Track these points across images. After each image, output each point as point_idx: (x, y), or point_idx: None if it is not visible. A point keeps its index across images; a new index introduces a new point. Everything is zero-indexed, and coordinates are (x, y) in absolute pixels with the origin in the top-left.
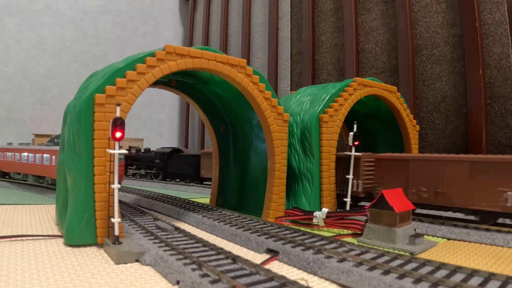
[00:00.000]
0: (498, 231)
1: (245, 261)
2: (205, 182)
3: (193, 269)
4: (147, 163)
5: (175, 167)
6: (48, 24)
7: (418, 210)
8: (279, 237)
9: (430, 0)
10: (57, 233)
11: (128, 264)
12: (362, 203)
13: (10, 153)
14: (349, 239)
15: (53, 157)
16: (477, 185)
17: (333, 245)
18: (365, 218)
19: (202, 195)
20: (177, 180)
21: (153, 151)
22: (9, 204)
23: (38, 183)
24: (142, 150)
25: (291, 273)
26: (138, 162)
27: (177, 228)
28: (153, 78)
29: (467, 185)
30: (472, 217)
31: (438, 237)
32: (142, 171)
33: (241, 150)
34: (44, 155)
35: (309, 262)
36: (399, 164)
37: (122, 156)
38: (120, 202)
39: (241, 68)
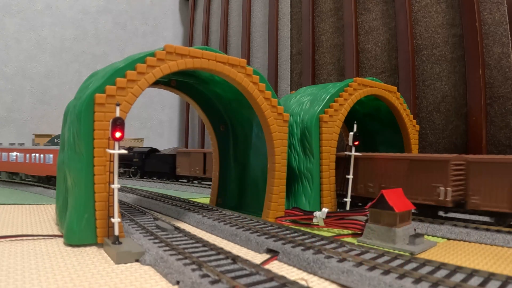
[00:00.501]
0: (498, 231)
1: (245, 261)
2: (180, 180)
3: (193, 269)
4: (126, 162)
5: (153, 166)
6: (48, 24)
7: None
8: (279, 237)
9: (430, 0)
10: (57, 233)
11: (128, 264)
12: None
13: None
14: (349, 239)
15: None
16: (415, 181)
17: (333, 245)
18: (365, 218)
19: (202, 195)
20: (154, 178)
21: (131, 150)
22: (9, 204)
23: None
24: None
25: (291, 273)
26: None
27: (177, 228)
28: (153, 78)
29: (407, 181)
30: (470, 217)
31: (438, 237)
32: (121, 170)
33: (241, 150)
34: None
35: (309, 262)
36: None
37: None
38: (120, 202)
39: (241, 68)
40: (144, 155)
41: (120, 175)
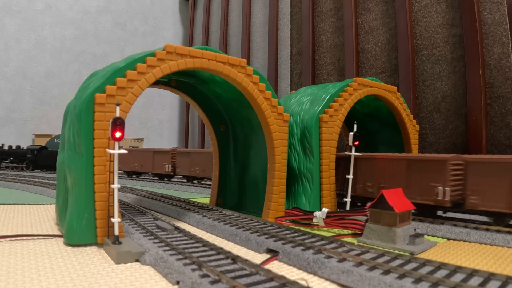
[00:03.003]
0: (498, 231)
1: (245, 261)
2: None
3: (193, 269)
4: (20, 157)
5: (43, 161)
6: (48, 24)
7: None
8: (279, 237)
9: (430, 0)
10: (57, 232)
11: (128, 264)
12: None
13: None
14: (349, 239)
15: None
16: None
17: (333, 245)
18: (365, 218)
19: (202, 195)
20: (45, 170)
21: (23, 148)
22: (9, 204)
23: None
24: (14, 147)
25: (291, 273)
26: (13, 156)
27: (177, 228)
28: (154, 78)
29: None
30: (470, 217)
31: (438, 237)
32: (14, 164)
33: (241, 150)
34: None
35: (309, 262)
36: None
37: None
38: (120, 201)
39: (241, 68)
40: (36, 151)
41: (14, 168)
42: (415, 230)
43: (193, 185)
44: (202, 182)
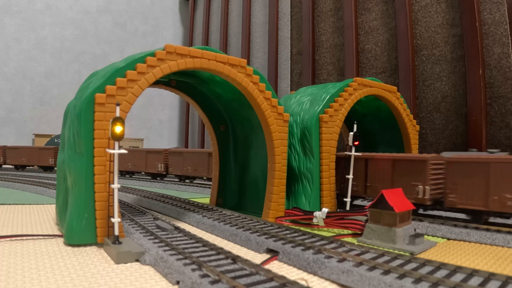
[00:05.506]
0: (498, 231)
1: (245, 261)
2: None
3: (193, 269)
4: None
5: None
6: (48, 24)
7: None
8: (279, 237)
9: (430, 0)
10: (57, 232)
11: (128, 264)
12: None
13: None
14: (349, 239)
15: None
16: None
17: (333, 245)
18: (365, 218)
19: (202, 195)
20: None
21: None
22: (9, 204)
23: None
24: None
25: (291, 273)
26: None
27: (177, 228)
28: (154, 77)
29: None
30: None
31: (438, 237)
32: None
33: (241, 150)
34: None
35: (309, 262)
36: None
37: None
38: (120, 201)
39: (241, 68)
40: None
41: None
42: (415, 230)
43: (193, 185)
44: (202, 182)
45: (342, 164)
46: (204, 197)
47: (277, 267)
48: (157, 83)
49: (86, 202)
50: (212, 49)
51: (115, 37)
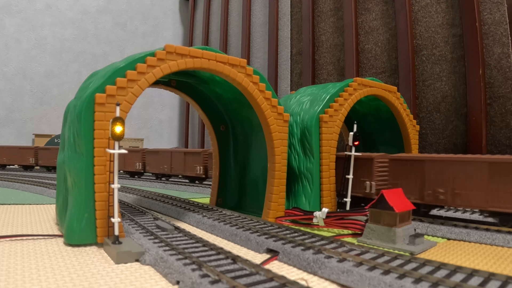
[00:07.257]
0: (498, 231)
1: (245, 261)
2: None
3: (193, 269)
4: None
5: None
6: (48, 24)
7: None
8: (279, 237)
9: (430, 0)
10: (57, 232)
11: (128, 264)
12: None
13: None
14: (349, 239)
15: None
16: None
17: (333, 245)
18: (365, 218)
19: (202, 195)
20: None
21: None
22: (9, 204)
23: None
24: None
25: (291, 273)
26: None
27: (177, 228)
28: (154, 77)
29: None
30: (470, 217)
31: (438, 237)
32: None
33: (241, 150)
34: None
35: (309, 262)
36: None
37: None
38: (120, 201)
39: (241, 68)
40: None
41: None
42: (415, 230)
43: (193, 185)
44: (203, 182)
45: (342, 164)
46: (204, 197)
47: (277, 267)
48: (157, 83)
49: (86, 202)
50: (212, 49)
51: (115, 37)
